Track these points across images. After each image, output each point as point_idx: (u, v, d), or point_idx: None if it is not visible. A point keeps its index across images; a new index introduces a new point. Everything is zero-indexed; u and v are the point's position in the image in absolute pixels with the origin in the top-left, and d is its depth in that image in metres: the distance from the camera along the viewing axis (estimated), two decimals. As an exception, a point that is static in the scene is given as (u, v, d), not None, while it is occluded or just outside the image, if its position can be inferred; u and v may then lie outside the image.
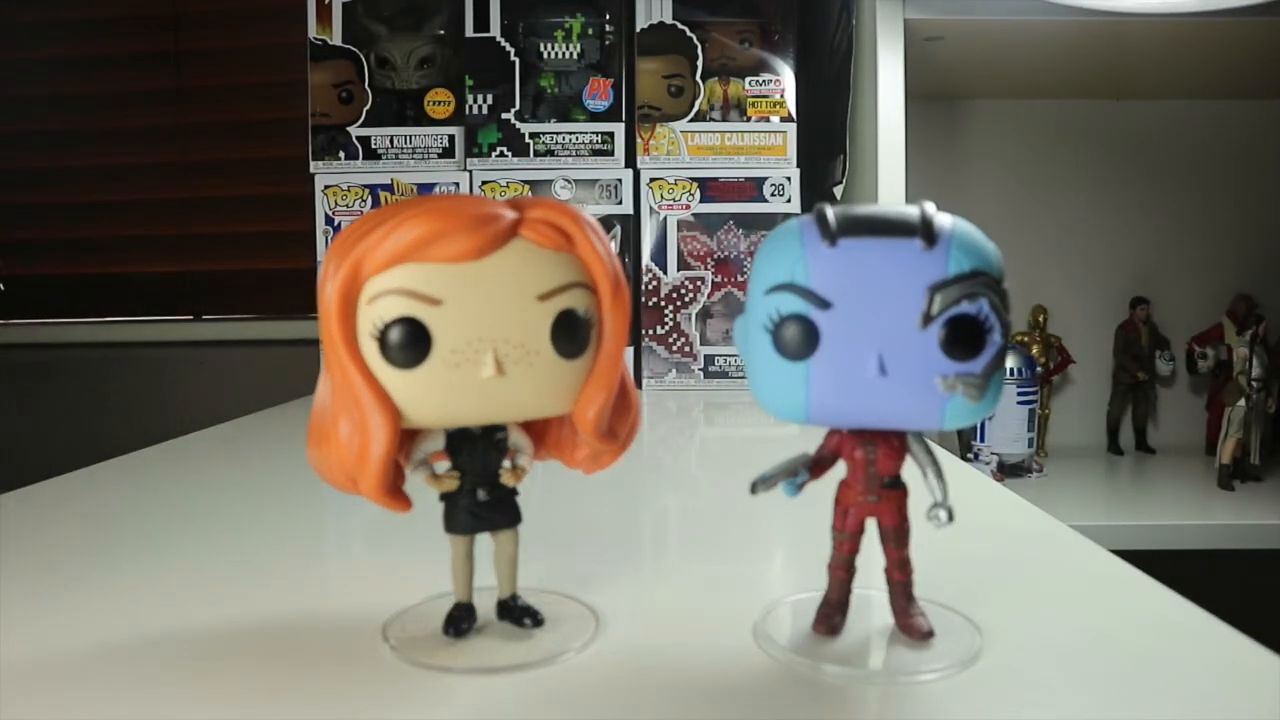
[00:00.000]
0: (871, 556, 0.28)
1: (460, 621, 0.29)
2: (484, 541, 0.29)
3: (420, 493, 0.28)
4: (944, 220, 0.24)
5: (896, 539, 0.27)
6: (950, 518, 0.26)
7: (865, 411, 0.24)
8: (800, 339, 0.24)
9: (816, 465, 0.27)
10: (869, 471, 0.27)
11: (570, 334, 0.26)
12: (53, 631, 0.31)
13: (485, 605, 0.29)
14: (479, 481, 0.28)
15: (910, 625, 0.28)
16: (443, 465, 0.28)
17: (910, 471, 0.27)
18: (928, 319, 0.23)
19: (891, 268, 0.23)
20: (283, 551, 0.41)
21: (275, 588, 0.35)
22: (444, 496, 0.28)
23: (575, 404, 0.27)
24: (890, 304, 0.23)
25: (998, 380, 0.24)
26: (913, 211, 0.24)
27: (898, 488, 0.27)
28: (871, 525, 0.28)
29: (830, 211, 0.24)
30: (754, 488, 0.26)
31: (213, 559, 0.39)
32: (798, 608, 0.31)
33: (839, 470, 0.28)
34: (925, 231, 0.23)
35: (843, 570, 0.28)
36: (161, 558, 0.40)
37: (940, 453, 0.30)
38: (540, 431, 0.29)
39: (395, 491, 0.27)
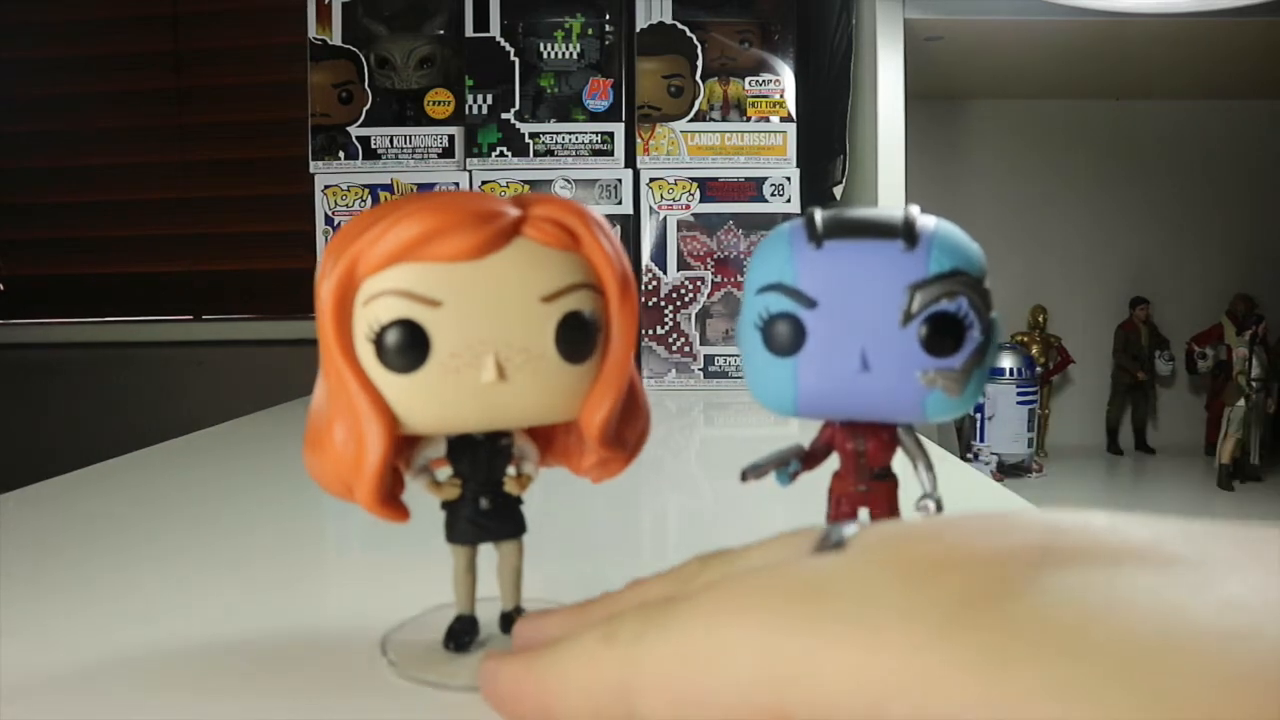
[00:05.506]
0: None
1: (462, 635, 0.27)
2: (488, 551, 0.28)
3: (421, 500, 0.27)
4: (927, 222, 0.24)
5: None
6: (939, 508, 0.26)
7: (850, 404, 0.25)
8: (788, 336, 0.25)
9: (810, 457, 0.28)
10: (859, 463, 0.27)
11: (576, 337, 0.24)
12: (49, 632, 0.30)
13: (488, 617, 0.28)
14: (481, 490, 0.27)
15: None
16: (444, 472, 0.27)
17: (904, 465, 0.27)
18: (908, 316, 0.24)
19: (874, 268, 0.24)
20: (281, 558, 0.40)
21: (272, 596, 0.35)
22: (445, 505, 0.27)
23: (581, 410, 0.25)
24: (873, 303, 0.24)
25: (979, 376, 0.25)
26: (897, 214, 0.24)
27: (888, 479, 0.28)
28: (866, 517, 0.28)
29: (818, 215, 0.25)
30: (744, 475, 0.27)
31: (211, 561, 0.39)
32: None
33: (834, 464, 0.28)
34: (906, 233, 0.24)
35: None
36: (160, 559, 0.40)
37: (937, 451, 0.30)
38: (546, 438, 0.28)
39: (391, 501, 0.25)
